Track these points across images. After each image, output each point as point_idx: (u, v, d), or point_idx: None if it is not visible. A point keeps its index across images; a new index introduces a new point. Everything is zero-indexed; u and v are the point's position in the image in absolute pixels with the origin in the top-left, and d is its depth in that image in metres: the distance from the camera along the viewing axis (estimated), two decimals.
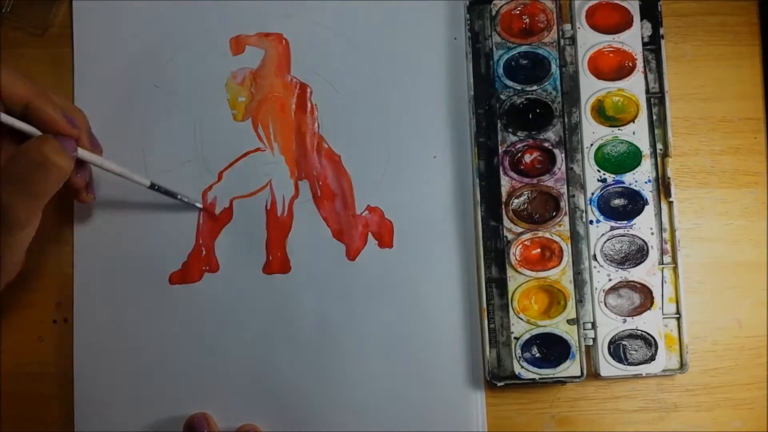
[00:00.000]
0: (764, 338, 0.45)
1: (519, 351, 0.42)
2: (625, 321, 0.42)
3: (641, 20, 0.44)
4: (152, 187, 0.41)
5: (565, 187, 0.43)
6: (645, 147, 0.43)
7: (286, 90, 0.46)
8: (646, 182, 0.43)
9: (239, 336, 0.44)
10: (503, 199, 0.43)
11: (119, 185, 0.44)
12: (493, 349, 0.44)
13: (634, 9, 0.44)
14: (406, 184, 0.45)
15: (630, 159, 0.43)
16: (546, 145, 0.43)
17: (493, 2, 0.44)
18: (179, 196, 0.43)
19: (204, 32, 0.46)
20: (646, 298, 0.43)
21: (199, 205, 0.44)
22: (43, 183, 0.33)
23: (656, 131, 0.45)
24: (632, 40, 0.44)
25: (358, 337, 0.44)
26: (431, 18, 0.46)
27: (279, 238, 0.45)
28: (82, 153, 0.37)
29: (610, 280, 0.43)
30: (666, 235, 0.44)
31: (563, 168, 0.43)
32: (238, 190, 0.45)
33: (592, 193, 0.43)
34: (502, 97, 0.44)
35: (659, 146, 0.45)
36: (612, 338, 0.42)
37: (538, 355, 0.43)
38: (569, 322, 0.42)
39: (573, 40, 0.44)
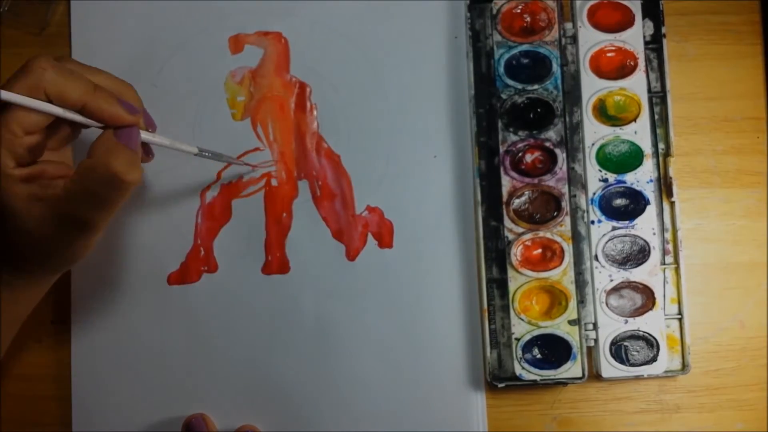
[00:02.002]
0: (766, 339, 0.44)
1: (520, 352, 0.42)
2: (626, 322, 0.42)
3: (643, 19, 0.44)
4: (199, 153, 0.40)
5: (567, 186, 0.43)
6: (647, 147, 0.43)
7: (285, 89, 0.45)
8: (647, 182, 0.43)
9: (238, 336, 0.44)
10: (504, 199, 0.43)
11: None
12: (494, 350, 0.43)
13: (636, 8, 0.44)
14: (406, 184, 0.45)
15: (632, 159, 0.43)
16: (547, 144, 0.43)
17: (494, 1, 0.44)
18: (225, 158, 0.43)
19: (202, 31, 0.46)
20: (647, 298, 0.43)
21: (248, 165, 0.44)
22: (118, 198, 0.33)
23: (658, 131, 0.45)
24: (634, 39, 0.44)
25: (357, 338, 0.44)
26: (431, 17, 0.46)
27: (278, 239, 0.44)
28: (145, 136, 0.36)
29: (611, 280, 0.42)
30: (668, 236, 0.44)
31: (564, 168, 0.43)
32: (237, 190, 0.45)
33: (594, 193, 0.43)
34: (503, 96, 0.43)
35: (661, 146, 0.44)
36: (613, 339, 0.42)
37: (539, 356, 0.43)
38: (570, 322, 0.42)
39: (574, 39, 0.44)
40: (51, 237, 0.33)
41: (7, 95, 0.31)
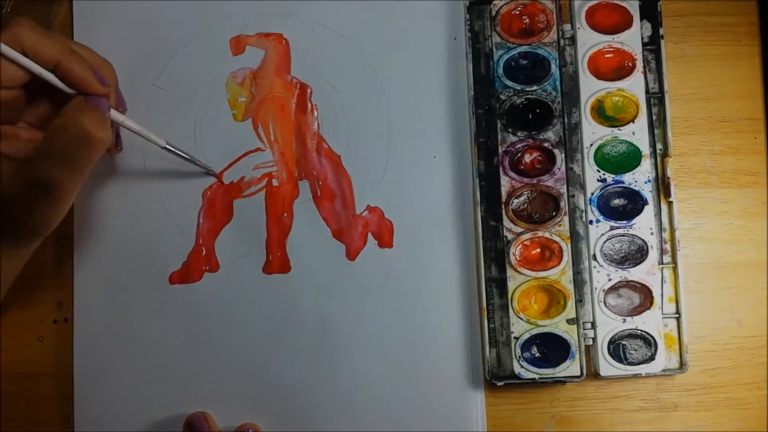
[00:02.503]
0: (764, 338, 0.45)
1: (519, 351, 0.42)
2: (624, 321, 0.43)
3: (641, 20, 0.44)
4: (167, 147, 0.41)
5: (565, 187, 0.43)
6: (645, 147, 0.43)
7: (286, 90, 0.46)
8: (645, 182, 0.43)
9: (239, 335, 0.44)
10: (503, 199, 0.43)
11: (122, 183, 0.45)
12: (493, 349, 0.44)
13: (634, 9, 0.44)
14: (406, 184, 0.45)
15: (630, 159, 0.43)
16: (546, 145, 0.43)
17: (493, 2, 0.44)
18: (191, 158, 0.43)
19: (204, 32, 0.46)
20: (645, 297, 0.43)
21: (213, 171, 0.44)
22: (87, 157, 0.33)
23: (656, 131, 0.45)
24: (632, 40, 0.44)
25: (357, 337, 0.44)
26: (431, 18, 0.46)
27: (279, 238, 0.45)
28: (114, 114, 0.37)
29: (609, 279, 0.43)
30: (665, 235, 0.44)
31: (563, 168, 0.43)
32: (239, 190, 0.45)
33: (592, 193, 0.43)
34: (502, 97, 0.44)
35: (659, 146, 0.45)
36: (611, 338, 0.43)
37: (537, 354, 0.43)
38: (569, 321, 0.42)
39: (573, 40, 0.44)
40: (19, 199, 0.33)
41: None
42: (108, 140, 0.34)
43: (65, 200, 0.35)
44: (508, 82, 0.44)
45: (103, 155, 0.42)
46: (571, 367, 0.42)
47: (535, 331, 0.42)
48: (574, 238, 0.44)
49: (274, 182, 0.45)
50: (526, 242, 0.43)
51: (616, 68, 0.44)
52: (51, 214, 0.35)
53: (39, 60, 0.33)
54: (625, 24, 0.44)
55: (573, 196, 0.44)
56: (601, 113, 0.44)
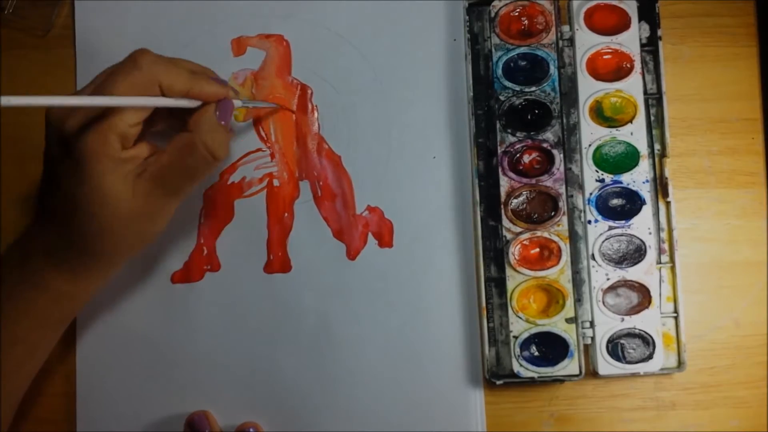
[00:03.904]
0: (762, 337, 0.45)
1: (518, 350, 0.43)
2: (623, 320, 0.43)
3: (639, 22, 0.45)
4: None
5: (564, 187, 0.43)
6: (643, 147, 0.44)
7: (286, 91, 0.46)
8: (643, 182, 0.43)
9: (240, 335, 0.44)
10: (502, 199, 0.43)
11: None
12: (492, 348, 0.44)
13: (632, 10, 0.44)
14: (406, 184, 0.45)
15: (628, 159, 0.44)
16: (545, 145, 0.43)
17: (492, 4, 0.45)
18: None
19: (205, 33, 0.46)
20: (643, 297, 0.43)
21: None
22: (207, 172, 0.36)
23: (654, 132, 0.45)
24: (630, 41, 0.44)
25: (358, 336, 0.44)
26: (431, 19, 0.46)
27: (280, 238, 0.45)
28: (237, 103, 0.38)
29: (608, 279, 0.43)
30: (664, 235, 0.45)
31: (562, 168, 0.43)
32: (240, 190, 0.45)
33: (591, 193, 0.43)
34: (501, 98, 0.44)
35: (657, 147, 0.45)
36: (610, 337, 0.43)
37: (536, 353, 0.43)
38: (568, 321, 0.43)
39: (571, 41, 0.45)
40: (141, 212, 0.35)
41: (133, 100, 0.33)
42: (226, 158, 0.36)
43: (176, 205, 0.37)
44: (507, 83, 0.44)
45: None
46: (569, 366, 0.42)
47: (534, 330, 0.43)
48: (573, 237, 0.44)
49: (275, 182, 0.45)
50: (525, 242, 0.43)
51: (614, 69, 0.44)
52: (167, 217, 0.37)
53: (173, 93, 0.34)
54: (623, 25, 0.44)
55: (572, 196, 0.44)
56: (599, 114, 0.44)
